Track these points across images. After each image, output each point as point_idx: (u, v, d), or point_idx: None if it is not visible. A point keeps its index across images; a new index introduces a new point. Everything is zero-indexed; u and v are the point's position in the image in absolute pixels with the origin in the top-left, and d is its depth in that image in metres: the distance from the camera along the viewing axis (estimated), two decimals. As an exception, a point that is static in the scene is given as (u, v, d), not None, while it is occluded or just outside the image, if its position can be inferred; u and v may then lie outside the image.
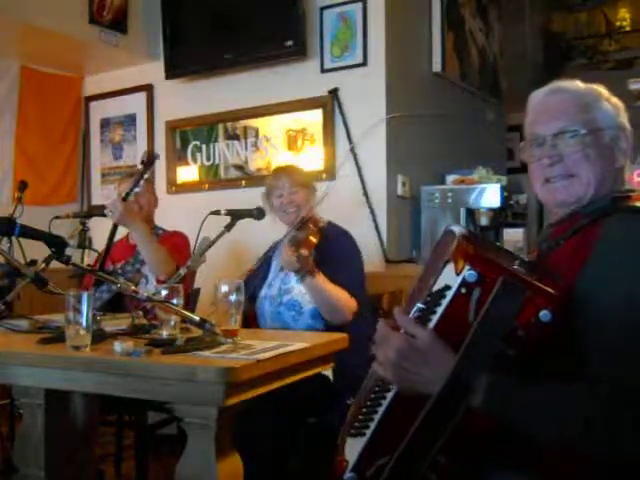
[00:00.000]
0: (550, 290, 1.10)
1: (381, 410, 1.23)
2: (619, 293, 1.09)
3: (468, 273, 1.11)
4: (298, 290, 2.33)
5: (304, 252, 2.12)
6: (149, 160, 2.48)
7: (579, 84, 1.33)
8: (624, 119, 1.32)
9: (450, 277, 1.13)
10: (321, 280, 2.22)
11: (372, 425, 1.24)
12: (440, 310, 1.15)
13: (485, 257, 1.15)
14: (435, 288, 1.16)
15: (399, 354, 1.16)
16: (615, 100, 1.33)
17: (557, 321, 1.08)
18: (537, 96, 1.35)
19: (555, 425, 1.08)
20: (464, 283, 1.12)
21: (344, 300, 2.25)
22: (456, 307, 1.13)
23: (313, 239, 2.25)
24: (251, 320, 2.49)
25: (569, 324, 1.11)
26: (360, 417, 1.27)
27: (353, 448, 1.26)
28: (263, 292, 2.50)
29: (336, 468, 1.29)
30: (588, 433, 1.06)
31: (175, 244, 2.73)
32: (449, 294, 1.13)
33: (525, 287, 1.10)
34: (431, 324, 1.16)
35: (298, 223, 2.36)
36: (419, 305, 1.19)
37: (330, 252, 2.34)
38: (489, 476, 1.21)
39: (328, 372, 2.21)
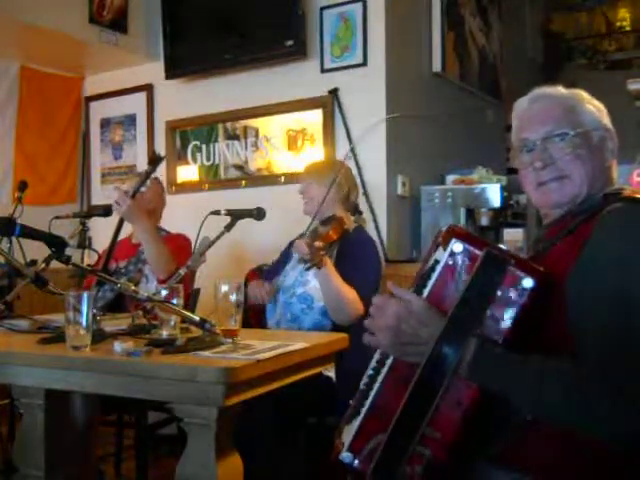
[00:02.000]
0: (533, 264, 1.16)
1: (375, 387, 1.26)
2: (611, 286, 1.10)
3: (455, 245, 1.20)
4: (313, 285, 2.35)
5: (318, 244, 2.15)
6: (156, 159, 2.47)
7: (561, 89, 1.36)
8: (607, 120, 1.35)
9: (440, 254, 1.23)
10: (331, 273, 2.23)
11: (366, 404, 1.26)
12: (430, 283, 1.23)
13: (472, 235, 1.24)
14: (426, 268, 1.24)
15: (397, 318, 1.21)
16: (597, 103, 1.36)
17: (540, 294, 1.13)
18: (522, 104, 1.39)
19: (537, 396, 1.10)
20: (451, 254, 1.20)
21: (352, 300, 2.26)
22: (445, 278, 1.21)
23: (333, 235, 2.29)
24: (255, 316, 2.51)
25: (559, 314, 1.13)
26: (356, 400, 1.30)
27: (349, 432, 1.28)
28: (279, 280, 2.52)
29: (333, 452, 1.29)
30: (567, 403, 1.07)
31: (177, 246, 2.73)
32: (438, 267, 1.22)
33: (508, 259, 1.16)
34: (423, 296, 1.23)
35: (323, 218, 2.41)
36: (413, 286, 1.26)
37: (348, 253, 2.37)
38: (488, 475, 1.21)
39: (331, 373, 2.22)
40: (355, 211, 2.64)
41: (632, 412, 1.04)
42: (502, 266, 1.15)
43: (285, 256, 2.64)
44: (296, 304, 2.39)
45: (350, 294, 2.26)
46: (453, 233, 1.22)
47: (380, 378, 1.26)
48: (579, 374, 1.08)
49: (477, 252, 1.18)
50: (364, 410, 1.26)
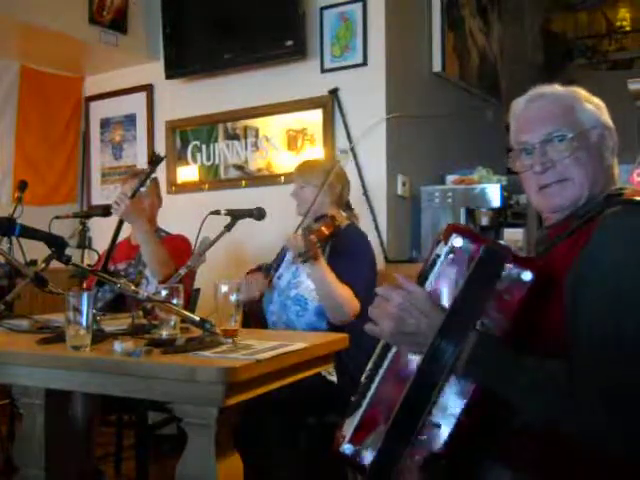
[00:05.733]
0: (531, 258, 1.19)
1: (376, 380, 1.26)
2: (607, 286, 1.09)
3: (455, 240, 1.22)
4: (306, 286, 2.34)
5: (312, 238, 2.15)
6: (156, 160, 2.47)
7: (558, 88, 1.34)
8: (607, 117, 1.33)
9: (440, 249, 1.24)
10: (325, 269, 2.22)
11: (368, 396, 1.26)
12: (431, 277, 1.24)
13: (473, 231, 1.26)
14: (428, 263, 1.26)
15: (400, 307, 1.20)
16: (596, 100, 1.34)
17: (538, 288, 1.14)
18: (519, 104, 1.37)
19: (535, 398, 1.10)
20: (451, 248, 1.22)
21: (347, 298, 2.24)
22: (445, 272, 1.23)
23: (325, 230, 2.27)
24: (255, 315, 2.51)
25: (558, 311, 1.13)
26: (357, 394, 1.30)
27: (350, 424, 1.28)
28: (273, 282, 2.51)
29: (334, 444, 1.29)
30: (565, 407, 1.08)
31: (176, 247, 2.73)
32: (439, 261, 1.23)
33: (507, 253, 1.18)
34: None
35: (314, 217, 2.40)
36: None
37: (341, 250, 2.36)
38: (488, 475, 1.21)
39: (333, 377, 2.21)
40: (346, 207, 2.63)
41: (623, 418, 1.04)
42: (501, 260, 1.17)
43: (279, 258, 2.61)
44: (291, 306, 2.38)
45: (345, 292, 2.25)
46: (454, 229, 1.23)
47: (381, 371, 1.26)
48: (577, 386, 1.07)
49: (476, 246, 1.19)
50: (365, 403, 1.26)
